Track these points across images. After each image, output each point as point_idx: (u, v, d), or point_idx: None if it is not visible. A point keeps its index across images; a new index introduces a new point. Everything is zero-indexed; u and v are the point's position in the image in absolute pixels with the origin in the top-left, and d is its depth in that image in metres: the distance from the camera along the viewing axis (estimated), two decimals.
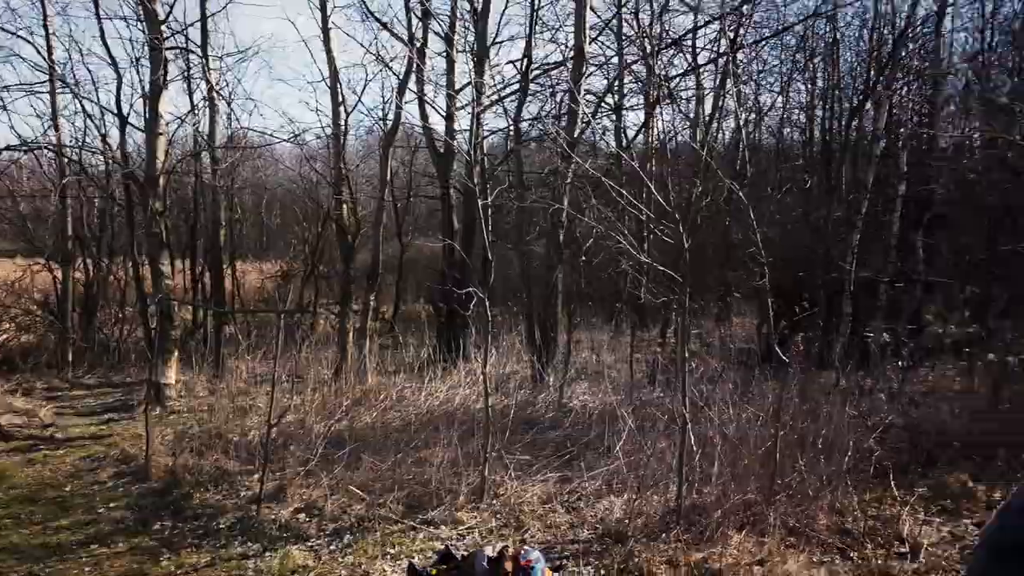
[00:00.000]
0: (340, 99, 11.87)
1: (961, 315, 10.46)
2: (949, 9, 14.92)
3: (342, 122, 11.98)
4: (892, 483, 6.04)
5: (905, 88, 14.59)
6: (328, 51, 11.70)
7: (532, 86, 13.23)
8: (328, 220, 13.76)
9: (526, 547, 4.53)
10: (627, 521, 5.26)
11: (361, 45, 27.48)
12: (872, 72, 13.25)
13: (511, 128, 12.54)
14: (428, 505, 5.83)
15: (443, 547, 4.78)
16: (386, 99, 16.67)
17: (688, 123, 17.68)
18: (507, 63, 30.05)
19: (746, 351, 9.28)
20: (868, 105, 13.23)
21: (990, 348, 8.13)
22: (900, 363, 8.25)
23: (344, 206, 12.02)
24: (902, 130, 13.82)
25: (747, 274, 11.05)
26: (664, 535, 5.10)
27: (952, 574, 4.72)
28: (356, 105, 22.30)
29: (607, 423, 6.76)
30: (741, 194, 7.73)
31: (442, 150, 13.20)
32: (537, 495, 5.98)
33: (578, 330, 12.10)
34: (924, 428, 7.31)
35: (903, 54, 13.42)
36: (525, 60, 12.40)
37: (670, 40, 15.32)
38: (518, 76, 13.28)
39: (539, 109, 15.29)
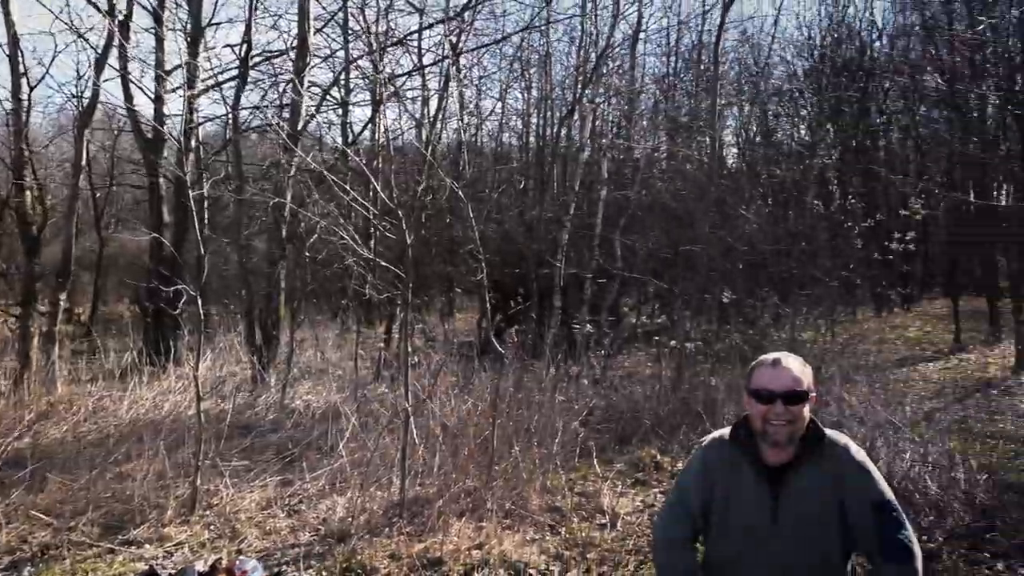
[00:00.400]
0: (22, 70, 10.45)
1: (651, 308, 11.88)
2: (642, 35, 16.69)
3: (24, 96, 10.57)
4: (595, 461, 6.68)
5: (606, 102, 16.03)
6: (6, 13, 10.21)
7: (253, 73, 12.64)
8: (6, 208, 12.03)
9: (242, 557, 4.33)
10: (350, 519, 5.24)
11: (49, 11, 24.29)
12: (579, 86, 14.38)
13: (229, 116, 11.89)
14: (130, 524, 5.33)
15: (146, 567, 4.40)
16: (82, 75, 14.88)
17: (413, 122, 17.98)
18: (225, 47, 28.26)
19: (467, 344, 9.69)
20: (576, 115, 14.36)
21: (674, 336, 9.28)
22: (602, 351, 9.14)
23: (27, 192, 10.56)
24: (603, 140, 15.16)
25: (468, 270, 11.53)
26: (387, 530, 5.15)
27: (643, 537, 5.29)
28: (43, 78, 19.72)
29: (331, 422, 6.68)
30: (461, 193, 8.08)
31: (150, 135, 12.14)
32: (256, 501, 5.73)
33: (302, 328, 11.79)
34: (621, 409, 8.17)
35: (604, 71, 14.76)
36: (245, 45, 11.78)
37: (396, 39, 15.46)
38: (237, 62, 12.59)
39: (261, 98, 14.65)
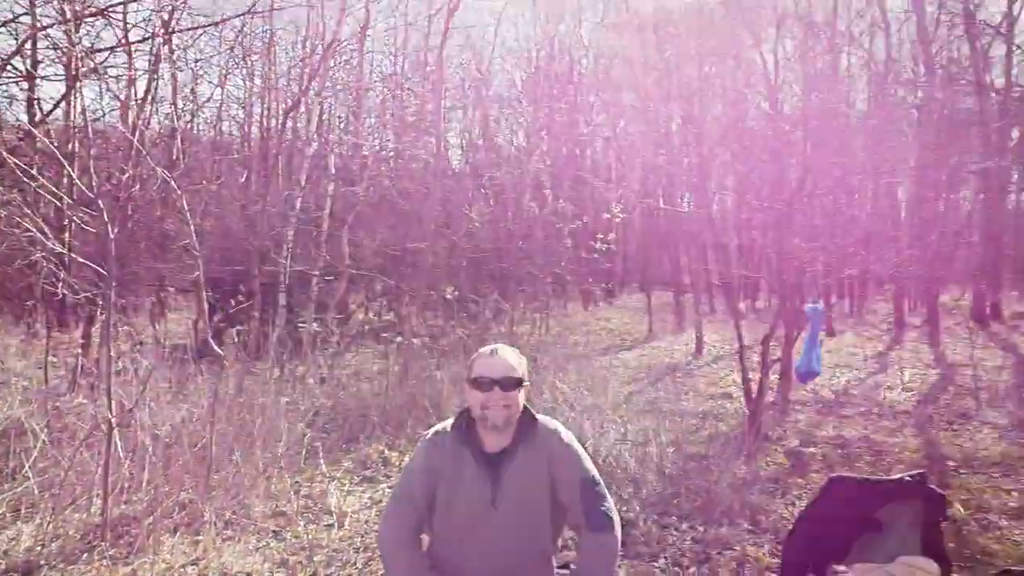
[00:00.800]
0: None
1: (379, 305, 11.96)
2: (370, 32, 16.69)
3: None
4: (322, 462, 6.59)
5: (334, 97, 15.81)
6: None
7: None
8: None
9: None
10: (39, 548, 4.66)
11: None
12: (305, 78, 14.03)
13: None
14: None
15: None
16: None
17: (118, 104, 16.29)
18: None
19: (182, 347, 9.02)
20: (302, 108, 13.99)
21: (401, 332, 9.42)
22: (329, 350, 9.01)
23: None
24: (331, 135, 14.95)
25: (183, 267, 10.74)
26: (87, 555, 4.66)
27: (371, 534, 5.32)
28: None
29: (12, 440, 5.87)
30: (175, 184, 7.50)
31: None
32: None
33: None
34: (349, 408, 8.13)
35: (332, 65, 14.54)
36: None
37: (96, 8, 13.87)
38: None
39: None
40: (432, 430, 2.67)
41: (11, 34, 13.50)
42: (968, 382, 9.78)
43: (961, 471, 6.58)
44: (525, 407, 2.57)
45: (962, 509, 5.64)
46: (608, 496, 2.57)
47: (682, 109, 11.08)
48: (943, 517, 3.71)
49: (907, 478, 3.71)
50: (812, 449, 7.26)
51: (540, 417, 2.61)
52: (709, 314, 16.56)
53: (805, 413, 8.73)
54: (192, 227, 6.75)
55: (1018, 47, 18.57)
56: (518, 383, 2.50)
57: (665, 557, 4.94)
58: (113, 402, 5.26)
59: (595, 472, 2.59)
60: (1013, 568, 3.94)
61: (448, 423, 2.64)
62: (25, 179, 7.71)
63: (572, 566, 2.62)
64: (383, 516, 2.64)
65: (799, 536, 3.75)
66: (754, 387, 7.53)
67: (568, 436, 2.62)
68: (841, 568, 3.48)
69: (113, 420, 5.13)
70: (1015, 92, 18.76)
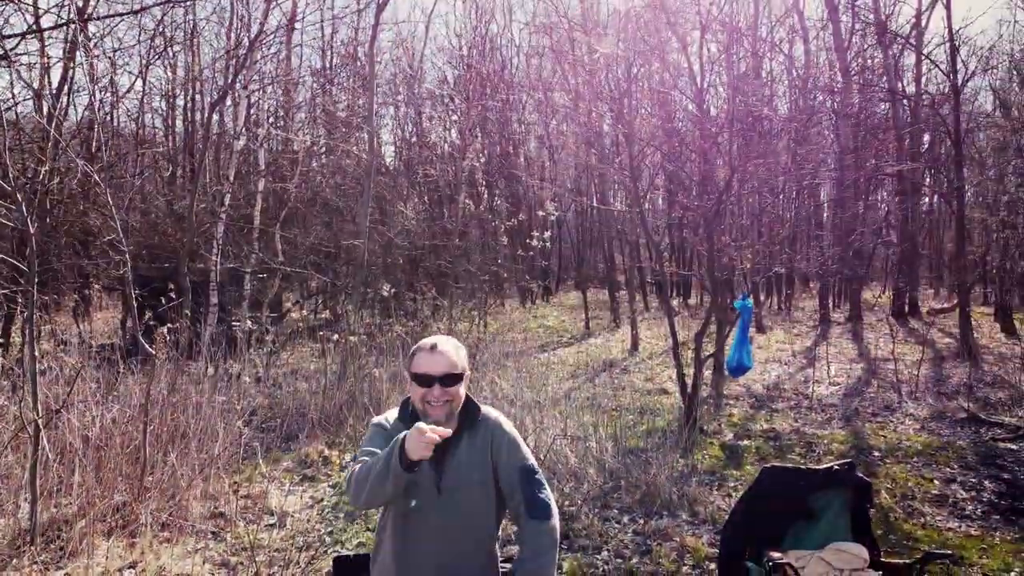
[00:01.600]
0: None
1: (315, 302, 11.77)
2: (297, 25, 16.40)
3: None
4: (260, 462, 6.46)
5: (261, 90, 15.47)
6: None
7: None
8: None
9: None
10: None
11: None
12: (231, 70, 13.68)
13: None
14: None
15: None
16: None
17: (31, 93, 15.55)
18: None
19: (109, 347, 8.68)
20: (228, 101, 13.64)
21: (338, 330, 9.30)
22: (264, 348, 8.83)
23: None
24: (260, 129, 14.64)
25: (108, 264, 10.34)
26: (15, 561, 4.46)
27: (314, 533, 5.26)
28: None
29: None
30: (98, 177, 7.23)
31: None
32: None
33: None
34: (286, 407, 7.99)
35: (259, 58, 14.22)
36: None
37: None
38: None
39: None
40: (380, 417, 2.68)
41: None
42: (890, 376, 10.24)
43: (886, 460, 6.89)
44: (468, 396, 2.59)
45: (888, 497, 5.92)
46: (547, 486, 2.61)
47: (612, 109, 11.24)
48: (870, 504, 3.89)
49: (836, 467, 3.88)
50: (746, 442, 7.49)
51: (483, 406, 2.64)
52: (643, 311, 16.87)
53: (739, 407, 9.00)
54: (118, 223, 6.53)
55: (926, 56, 19.52)
56: (459, 378, 2.52)
57: (608, 550, 5.04)
58: (39, 403, 5.05)
59: (534, 461, 2.63)
60: (935, 551, 4.16)
61: (392, 412, 2.65)
62: None
63: (513, 558, 2.66)
64: (346, 478, 2.58)
65: (735, 525, 3.87)
66: (689, 382, 7.72)
67: (508, 425, 2.66)
68: (776, 554, 3.61)
69: (40, 421, 4.92)
70: (924, 99, 19.74)
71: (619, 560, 4.89)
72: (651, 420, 8.03)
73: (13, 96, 15.72)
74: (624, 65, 14.77)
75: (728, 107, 10.81)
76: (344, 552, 4.75)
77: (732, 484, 6.27)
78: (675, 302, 17.04)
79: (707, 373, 9.30)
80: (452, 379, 2.48)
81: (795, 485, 3.88)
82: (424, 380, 2.47)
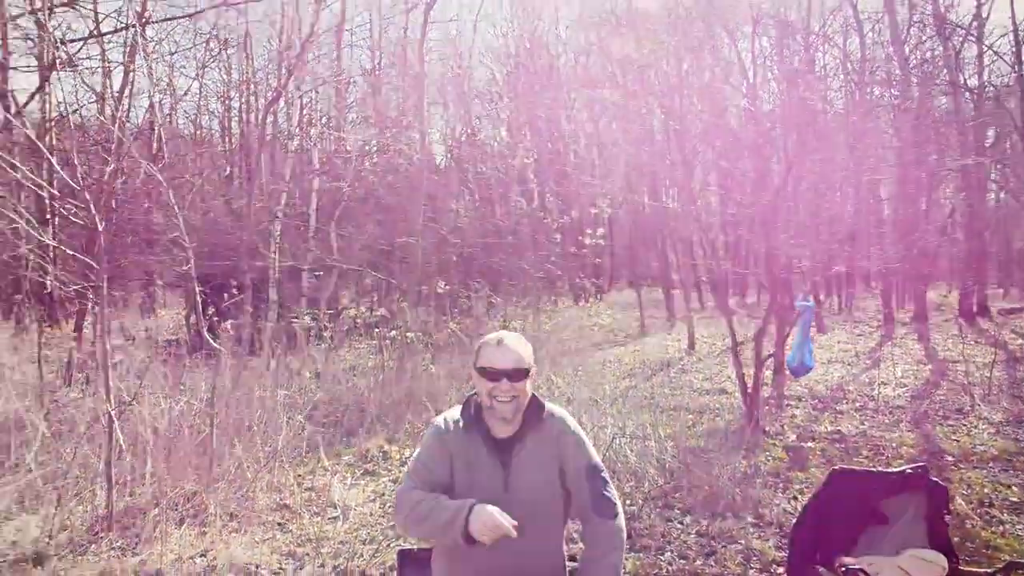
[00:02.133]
0: None
1: (371, 299, 11.89)
2: (347, 26, 16.58)
3: None
4: (323, 455, 6.54)
5: (314, 91, 15.67)
6: None
7: None
8: None
9: None
10: (47, 540, 4.58)
11: None
12: (283, 71, 13.89)
13: None
14: None
15: None
16: None
17: (94, 96, 16.03)
18: None
19: (174, 342, 8.88)
20: (282, 102, 13.85)
21: (394, 327, 9.36)
22: (323, 345, 8.94)
23: None
24: (313, 130, 14.84)
25: (172, 261, 10.59)
26: (94, 546, 4.59)
27: (377, 527, 5.29)
28: None
29: (12, 433, 5.75)
30: (161, 177, 7.38)
31: None
32: None
33: None
34: (346, 402, 8.08)
35: (310, 59, 14.41)
36: None
37: None
38: None
39: None
40: (441, 417, 2.65)
41: None
42: (959, 378, 9.89)
43: (960, 466, 6.65)
44: (533, 394, 2.57)
45: (964, 503, 5.70)
46: (611, 484, 2.57)
47: (662, 106, 11.09)
48: (947, 510, 3.74)
49: (909, 471, 3.74)
50: (810, 444, 7.32)
51: (548, 404, 2.61)
52: (699, 310, 16.64)
53: (801, 408, 8.80)
54: (180, 220, 6.65)
55: (989, 48, 18.88)
56: (525, 373, 2.49)
57: (671, 550, 4.96)
58: (111, 395, 5.18)
59: (599, 460, 2.60)
60: (1020, 560, 4.00)
61: (456, 410, 2.62)
62: (9, 170, 7.54)
63: (578, 558, 2.62)
64: (397, 495, 2.57)
65: (805, 529, 3.76)
66: (749, 382, 7.58)
67: (574, 423, 2.63)
68: (849, 560, 3.50)
69: (113, 413, 5.05)
70: (988, 92, 19.12)
71: (683, 561, 4.81)
72: (711, 420, 7.90)
73: (77, 100, 16.21)
74: (674, 61, 14.56)
75: (782, 102, 10.62)
76: (407, 545, 4.78)
77: (797, 487, 6.13)
78: (732, 301, 16.71)
79: (767, 374, 9.13)
80: (519, 374, 2.46)
81: (867, 488, 3.75)
82: (491, 375, 2.45)
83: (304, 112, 15.94)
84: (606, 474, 2.56)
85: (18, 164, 8.20)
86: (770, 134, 9.41)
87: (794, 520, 4.13)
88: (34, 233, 6.57)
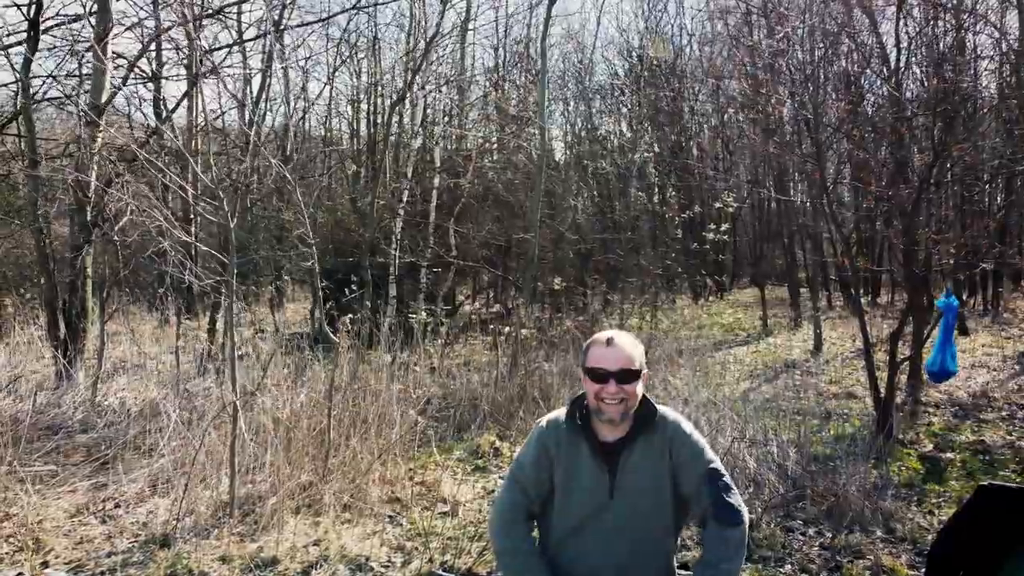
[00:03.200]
0: None
1: (486, 296, 12.02)
2: (471, 25, 16.76)
3: None
4: (435, 450, 6.64)
5: (437, 90, 15.94)
6: None
7: (46, 39, 11.35)
8: None
9: (48, 570, 3.89)
10: (174, 522, 4.85)
11: None
12: (409, 72, 14.19)
13: (19, 83, 10.62)
14: None
15: None
16: None
17: (235, 101, 17.02)
18: (9, 5, 25.27)
19: (299, 336, 9.28)
20: (406, 101, 14.17)
21: (509, 323, 9.41)
22: (439, 340, 9.10)
23: None
24: (435, 127, 15.09)
25: (299, 257, 11.07)
26: (216, 531, 4.83)
27: (485, 523, 5.29)
28: None
29: (149, 419, 6.17)
30: (290, 176, 7.71)
31: None
32: (64, 509, 5.18)
33: (114, 320, 10.84)
34: (460, 397, 8.17)
35: (434, 59, 14.66)
36: (34, 6, 10.53)
37: (212, 10, 14.51)
38: (26, 23, 11.26)
39: (56, 66, 13.21)
40: (545, 418, 2.57)
41: (137, 38, 14.24)
42: None
43: None
44: (644, 396, 2.44)
45: None
46: (735, 489, 2.41)
47: (795, 93, 10.52)
48: None
49: None
50: (949, 454, 6.77)
51: (660, 407, 2.47)
52: (827, 310, 15.79)
53: (939, 416, 8.17)
54: (307, 218, 6.92)
55: None
56: (636, 375, 2.36)
57: (791, 563, 4.70)
58: (237, 385, 5.43)
59: (719, 464, 2.44)
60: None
61: (562, 412, 2.53)
62: (154, 172, 8.08)
63: (690, 566, 2.48)
64: (496, 502, 2.58)
65: (945, 548, 3.45)
66: (882, 387, 7.09)
67: (690, 427, 2.47)
68: None
69: (238, 403, 5.29)
70: None
71: (804, 575, 4.55)
72: (838, 426, 7.45)
73: (220, 105, 17.23)
74: (807, 47, 13.88)
75: (929, 85, 9.86)
76: None
77: (934, 500, 5.68)
78: (864, 301, 15.74)
79: (902, 378, 8.53)
80: (628, 376, 2.34)
81: (1018, 508, 3.40)
82: (599, 376, 2.34)
83: (428, 112, 16.26)
84: (728, 479, 2.41)
85: (165, 168, 8.82)
86: (912, 123, 8.75)
87: (930, 537, 3.81)
88: (177, 232, 6.99)
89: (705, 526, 2.38)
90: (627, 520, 2.32)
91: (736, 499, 2.38)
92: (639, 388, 2.39)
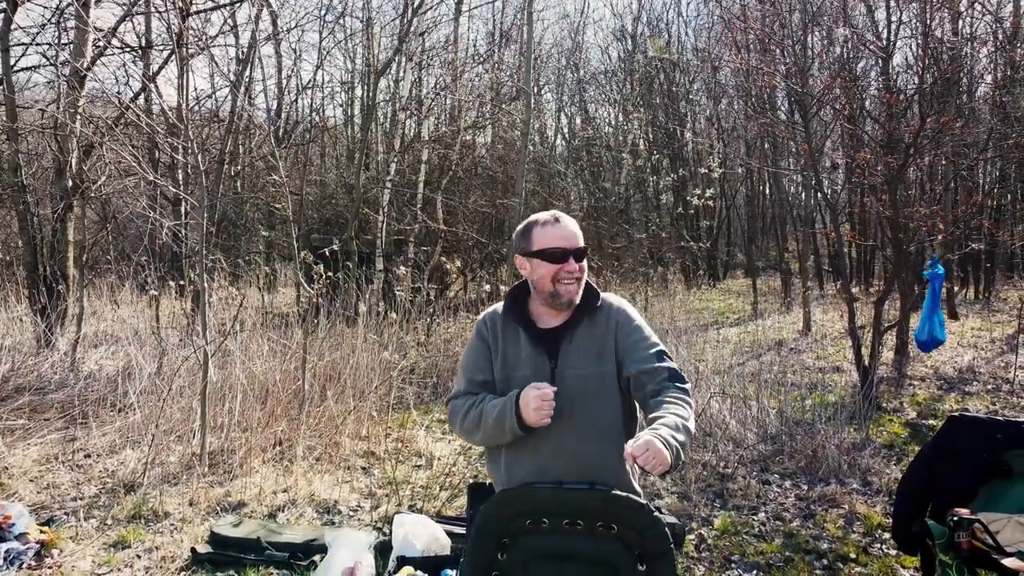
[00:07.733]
0: None
1: (476, 269, 11.91)
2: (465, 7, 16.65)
3: None
4: (412, 410, 6.59)
5: (426, 63, 15.78)
6: None
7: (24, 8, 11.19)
8: None
9: (5, 502, 3.84)
10: (143, 472, 4.80)
11: None
12: (399, 41, 13.98)
13: None
14: None
15: None
16: None
17: (226, 81, 16.92)
18: None
19: (288, 314, 9.15)
20: (392, 71, 13.98)
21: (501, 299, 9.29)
22: (426, 315, 9.06)
23: None
24: (426, 101, 14.93)
25: (286, 233, 11.00)
26: (186, 479, 4.78)
27: (457, 475, 5.25)
28: None
29: (124, 379, 6.12)
30: (277, 152, 7.69)
31: None
32: (32, 458, 5.14)
33: (95, 286, 10.79)
34: (442, 368, 8.13)
35: (424, 30, 14.54)
36: None
37: None
38: None
39: (36, 34, 12.94)
40: (479, 322, 2.45)
41: (122, 8, 14.06)
42: None
43: None
44: (587, 281, 2.32)
45: None
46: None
47: (784, 57, 10.37)
48: None
49: None
50: (933, 421, 6.71)
51: (604, 293, 2.35)
52: (818, 298, 15.67)
53: (924, 388, 8.09)
54: (289, 194, 6.87)
55: None
56: (586, 251, 2.27)
57: (766, 511, 4.66)
58: (207, 331, 5.35)
59: (659, 341, 2.33)
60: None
61: (499, 305, 2.39)
62: (143, 127, 8.01)
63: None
64: (448, 403, 2.46)
65: (916, 477, 3.40)
66: (866, 355, 7.05)
67: (634, 312, 2.33)
68: (964, 512, 3.09)
69: (208, 348, 5.20)
70: None
71: (778, 522, 4.50)
72: (821, 395, 7.36)
73: (213, 85, 17.11)
74: (799, 30, 13.81)
75: (918, 55, 9.80)
76: (481, 481, 4.71)
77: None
78: (855, 288, 15.53)
79: (888, 353, 8.44)
80: (582, 252, 2.24)
81: (990, 438, 3.33)
82: (555, 256, 2.19)
83: (417, 87, 16.11)
84: (668, 354, 2.26)
85: (152, 125, 8.71)
86: (904, 102, 8.68)
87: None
88: (159, 182, 6.91)
89: (659, 391, 2.15)
90: (573, 408, 2.22)
91: (682, 373, 2.28)
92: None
